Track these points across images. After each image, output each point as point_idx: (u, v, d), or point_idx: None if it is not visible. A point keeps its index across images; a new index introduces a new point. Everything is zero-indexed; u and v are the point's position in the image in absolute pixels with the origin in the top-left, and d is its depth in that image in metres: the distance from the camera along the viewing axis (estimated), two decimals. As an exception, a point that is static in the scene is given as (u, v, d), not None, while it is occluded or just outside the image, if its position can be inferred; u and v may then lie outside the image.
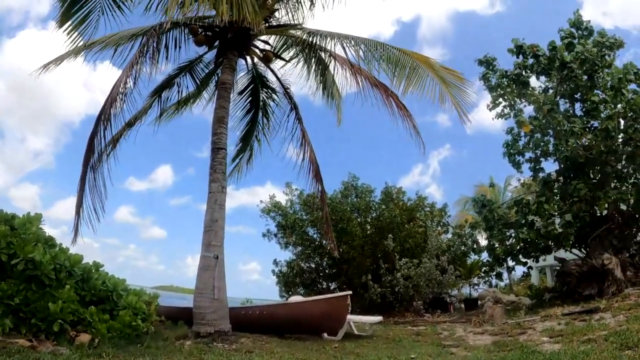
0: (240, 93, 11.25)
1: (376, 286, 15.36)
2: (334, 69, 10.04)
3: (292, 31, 10.00)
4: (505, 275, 17.74)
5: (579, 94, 12.80)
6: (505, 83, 13.67)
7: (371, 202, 17.86)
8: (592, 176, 12.73)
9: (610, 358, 4.72)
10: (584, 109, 12.77)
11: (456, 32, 56.00)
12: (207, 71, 10.75)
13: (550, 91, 13.44)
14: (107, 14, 8.08)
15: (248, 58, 10.31)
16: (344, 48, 9.11)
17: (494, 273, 15.99)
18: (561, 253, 13.42)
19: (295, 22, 9.91)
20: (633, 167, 12.15)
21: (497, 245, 13.86)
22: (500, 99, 14.04)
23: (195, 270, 8.03)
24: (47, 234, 6.09)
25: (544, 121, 12.47)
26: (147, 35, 8.09)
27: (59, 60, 8.55)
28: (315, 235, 18.00)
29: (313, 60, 10.26)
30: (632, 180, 12.39)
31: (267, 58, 10.08)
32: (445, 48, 56.48)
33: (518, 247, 13.28)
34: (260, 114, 11.54)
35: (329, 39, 9.31)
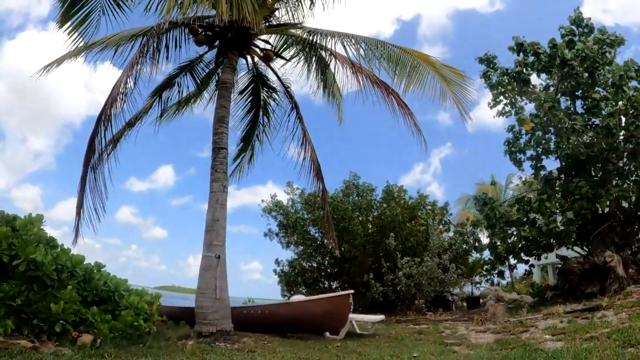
0: (241, 92, 11.25)
1: (378, 285, 15.35)
2: (335, 68, 10.06)
3: (293, 30, 10.00)
4: (507, 273, 17.65)
5: (580, 91, 12.78)
6: (506, 81, 13.63)
7: (372, 201, 17.83)
8: (593, 174, 12.70)
9: (613, 356, 4.71)
10: (585, 107, 12.75)
11: (456, 31, 56.09)
12: (207, 71, 10.75)
13: (551, 89, 13.41)
14: (107, 14, 8.08)
15: (248, 57, 10.32)
16: (344, 47, 9.12)
17: (496, 271, 15.96)
18: (563, 251, 13.40)
19: (296, 21, 9.91)
20: (634, 164, 12.12)
21: (498, 243, 13.84)
22: (501, 97, 14.01)
23: (197, 270, 8.05)
24: (48, 235, 6.11)
25: (545, 119, 12.44)
26: (147, 36, 8.09)
27: (59, 61, 8.57)
28: (316, 235, 17.98)
29: (313, 59, 10.27)
30: (633, 178, 12.36)
31: (267, 57, 10.08)
32: (445, 46, 56.62)
33: (520, 245, 13.26)
34: (261, 113, 11.54)
35: (329, 37, 9.32)
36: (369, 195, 17.80)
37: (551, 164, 13.81)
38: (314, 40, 9.55)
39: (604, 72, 12.28)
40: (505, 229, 13.53)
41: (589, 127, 12.26)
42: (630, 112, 11.37)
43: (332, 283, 18.03)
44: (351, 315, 8.90)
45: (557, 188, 13.22)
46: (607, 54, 12.49)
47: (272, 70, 10.67)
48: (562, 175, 13.25)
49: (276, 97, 11.40)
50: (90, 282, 6.26)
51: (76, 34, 8.14)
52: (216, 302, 7.62)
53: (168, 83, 10.43)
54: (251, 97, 11.36)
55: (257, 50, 10.01)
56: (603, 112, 12.01)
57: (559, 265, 13.97)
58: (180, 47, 9.60)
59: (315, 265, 18.32)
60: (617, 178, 12.48)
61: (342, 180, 18.18)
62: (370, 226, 17.44)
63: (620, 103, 11.68)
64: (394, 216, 16.57)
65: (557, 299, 11.87)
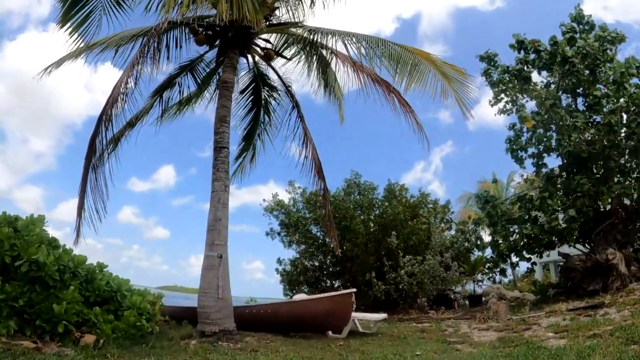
0: (242, 92, 11.24)
1: (380, 283, 15.35)
2: (336, 66, 10.04)
3: (293, 29, 9.99)
4: (509, 271, 17.68)
5: (581, 88, 12.77)
6: (507, 79, 13.61)
7: (374, 200, 17.83)
8: (595, 171, 12.69)
9: (616, 353, 4.69)
10: (586, 104, 12.74)
11: (457, 29, 55.87)
12: (208, 70, 10.74)
13: (552, 86, 13.39)
14: (108, 13, 8.09)
15: (249, 56, 10.30)
16: (345, 45, 9.11)
17: (498, 269, 15.94)
18: (565, 248, 13.37)
19: (296, 20, 9.91)
20: (636, 161, 12.10)
21: (500, 241, 13.82)
22: (502, 95, 13.99)
23: (199, 270, 8.05)
24: (50, 236, 6.10)
25: (546, 116, 12.43)
26: (148, 36, 8.07)
27: (60, 62, 8.56)
28: (318, 234, 17.98)
29: (314, 57, 10.26)
30: (635, 175, 12.34)
31: (268, 56, 10.07)
32: (446, 44, 56.34)
33: (522, 243, 13.24)
34: (262, 112, 11.54)
35: (330, 36, 9.30)
36: (370, 193, 17.80)
37: (553, 162, 13.85)
38: (315, 39, 9.53)
39: (605, 69, 12.27)
40: (507, 227, 13.52)
41: (590, 124, 12.24)
42: (632, 109, 11.36)
43: (334, 282, 18.05)
44: (354, 314, 8.90)
45: (559, 185, 13.21)
46: (608, 51, 12.48)
47: (273, 69, 10.66)
48: (564, 173, 13.23)
49: (277, 96, 11.40)
50: (92, 283, 6.25)
51: (77, 35, 8.15)
52: (219, 301, 7.61)
53: (169, 83, 10.42)
54: (252, 97, 11.35)
55: (258, 49, 9.99)
56: (604, 110, 12.01)
57: (561, 263, 13.96)
58: (180, 47, 9.60)
59: (317, 264, 18.34)
60: (618, 175, 12.45)
61: (343, 179, 18.21)
62: (372, 225, 17.45)
63: (621, 100, 11.68)
64: (396, 214, 16.57)
65: (560, 296, 11.87)
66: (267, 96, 11.43)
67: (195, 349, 6.13)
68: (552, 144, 13.00)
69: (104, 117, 7.80)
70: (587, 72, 12.24)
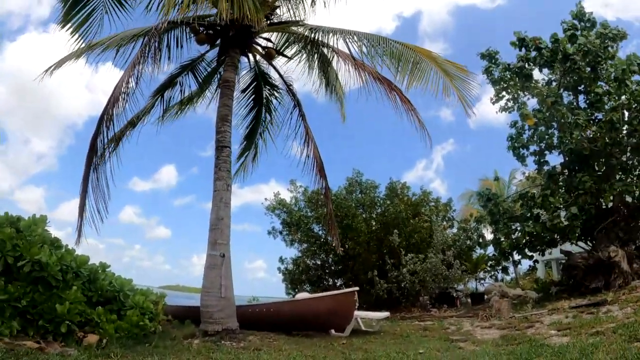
0: (243, 91, 11.23)
1: (382, 282, 15.36)
2: (337, 65, 10.03)
3: (294, 28, 9.98)
4: (511, 269, 17.67)
5: (583, 86, 12.75)
6: (508, 76, 13.61)
7: (376, 198, 17.85)
8: (597, 168, 12.68)
9: (619, 350, 4.68)
10: (587, 101, 12.72)
11: (457, 27, 55.73)
12: (209, 70, 10.73)
13: (554, 83, 13.38)
14: (109, 12, 8.07)
15: (250, 56, 10.28)
16: (346, 43, 9.07)
17: (500, 267, 15.91)
18: (567, 246, 13.37)
19: (297, 18, 9.88)
20: (638, 158, 12.10)
21: (502, 239, 13.82)
22: (504, 93, 14.00)
23: (201, 269, 8.06)
24: (52, 236, 6.11)
25: (547, 114, 12.42)
26: (149, 35, 8.06)
27: (60, 63, 8.55)
28: (320, 232, 17.99)
29: (315, 56, 10.25)
30: (637, 172, 12.34)
31: (269, 55, 10.06)
32: (446, 42, 56.18)
33: (524, 241, 13.24)
34: (264, 111, 11.52)
35: (331, 34, 9.28)
36: (372, 192, 17.81)
37: (554, 159, 13.80)
38: (316, 37, 9.51)
39: (606, 66, 12.26)
40: (509, 225, 13.52)
41: (592, 121, 12.22)
42: (633, 106, 11.34)
43: (336, 280, 18.06)
44: (356, 313, 8.90)
45: (561, 183, 13.20)
46: (610, 48, 12.46)
47: (274, 68, 10.64)
48: (566, 170, 13.22)
49: (278, 95, 11.39)
50: (95, 283, 6.25)
51: (78, 35, 8.14)
52: (221, 300, 7.62)
53: (170, 82, 10.41)
54: (253, 96, 11.34)
55: (259, 48, 9.98)
56: (606, 107, 11.98)
57: (563, 261, 13.97)
58: (181, 46, 9.61)
59: (319, 262, 18.35)
60: (620, 172, 12.45)
61: (345, 178, 18.26)
62: (374, 223, 17.46)
63: (623, 97, 11.66)
64: (398, 213, 16.57)
65: (562, 294, 11.86)
66: (268, 95, 11.42)
67: (198, 348, 6.14)
68: (553, 142, 12.99)
69: (105, 117, 7.79)
70: (588, 69, 12.23)
